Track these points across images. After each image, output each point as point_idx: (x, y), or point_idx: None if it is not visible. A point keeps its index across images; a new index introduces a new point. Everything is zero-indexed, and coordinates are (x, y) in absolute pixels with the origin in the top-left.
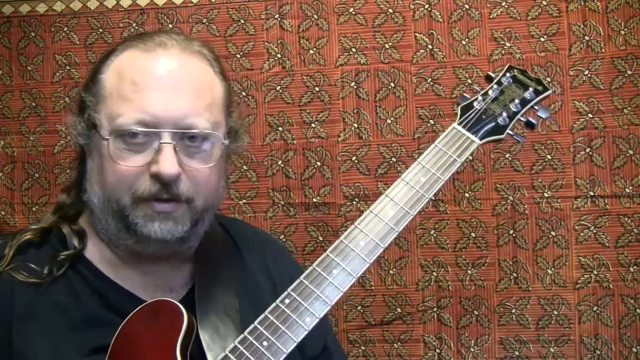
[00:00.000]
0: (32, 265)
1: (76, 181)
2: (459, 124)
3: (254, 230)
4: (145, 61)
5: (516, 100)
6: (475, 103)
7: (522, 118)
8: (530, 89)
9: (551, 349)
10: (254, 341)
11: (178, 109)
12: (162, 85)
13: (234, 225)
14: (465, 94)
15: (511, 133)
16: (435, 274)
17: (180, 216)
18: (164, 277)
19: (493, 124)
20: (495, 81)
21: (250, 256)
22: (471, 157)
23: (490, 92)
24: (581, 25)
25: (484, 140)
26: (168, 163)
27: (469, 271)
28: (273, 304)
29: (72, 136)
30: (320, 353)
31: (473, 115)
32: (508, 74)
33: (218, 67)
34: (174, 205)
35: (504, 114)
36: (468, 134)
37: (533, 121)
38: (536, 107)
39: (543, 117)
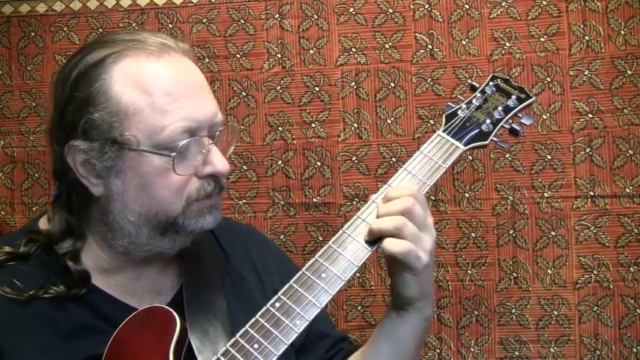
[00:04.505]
0: (18, 284)
1: (74, 206)
2: (444, 131)
3: (236, 224)
4: (163, 69)
5: (500, 108)
6: (459, 111)
7: (506, 125)
8: (513, 97)
9: (551, 349)
10: (245, 344)
11: (211, 109)
12: (192, 90)
13: None
14: (450, 103)
15: (495, 139)
16: (434, 274)
17: (219, 204)
18: (153, 280)
19: (477, 130)
20: (479, 90)
21: (235, 253)
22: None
23: (474, 101)
24: (581, 25)
25: (469, 146)
26: (223, 162)
27: (469, 271)
28: (264, 308)
29: (74, 161)
30: (307, 335)
31: (457, 122)
32: (491, 83)
33: (195, 60)
34: (220, 196)
35: (488, 121)
36: (453, 141)
37: (518, 128)
38: (519, 114)
39: (527, 124)
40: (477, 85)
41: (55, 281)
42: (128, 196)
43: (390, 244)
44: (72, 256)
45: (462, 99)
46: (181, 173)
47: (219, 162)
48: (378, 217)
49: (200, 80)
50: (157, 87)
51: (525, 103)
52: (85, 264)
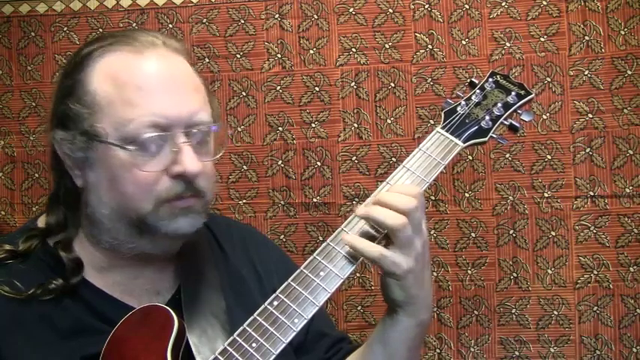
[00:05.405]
0: (17, 283)
1: (61, 197)
2: (443, 127)
3: (235, 224)
4: (141, 64)
5: (499, 104)
6: (458, 108)
7: (506, 122)
8: (513, 93)
9: (551, 349)
10: (243, 343)
11: (187, 107)
12: (166, 86)
13: (216, 221)
14: (449, 100)
15: (494, 136)
16: (435, 274)
17: (199, 209)
18: (151, 280)
19: (476, 127)
20: (478, 86)
21: (234, 252)
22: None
23: (473, 97)
24: (581, 25)
25: (467, 143)
26: (192, 162)
27: (469, 271)
28: (262, 307)
29: (61, 152)
30: (306, 335)
31: (456, 119)
32: (491, 79)
33: (190, 61)
34: (195, 200)
35: (487, 118)
36: (452, 137)
37: (517, 125)
38: (519, 111)
39: (527, 120)
40: (476, 82)
41: (52, 276)
42: (102, 189)
43: (364, 248)
44: (63, 245)
45: (462, 96)
46: (146, 170)
47: (188, 162)
48: (380, 203)
49: (183, 78)
50: (130, 80)
51: (525, 99)
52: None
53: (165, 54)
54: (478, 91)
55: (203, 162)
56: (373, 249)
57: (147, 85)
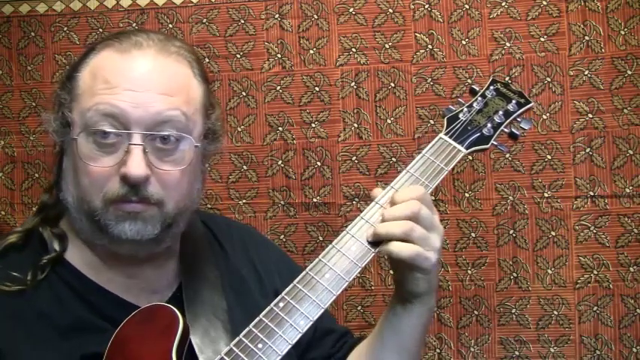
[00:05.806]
0: (14, 273)
1: (55, 180)
2: (446, 134)
3: (235, 224)
4: (119, 62)
5: (500, 112)
6: (460, 115)
7: (506, 130)
8: (513, 102)
9: (551, 349)
10: (249, 344)
11: (149, 109)
12: (133, 86)
13: (215, 221)
14: (450, 106)
15: (495, 143)
16: None
17: (149, 217)
18: (147, 278)
19: (478, 134)
20: (479, 94)
21: (234, 252)
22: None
23: (475, 104)
24: (581, 25)
25: (470, 150)
26: (135, 165)
27: (469, 271)
28: (268, 308)
29: (50, 133)
30: (314, 333)
31: (459, 125)
32: (492, 87)
33: (198, 69)
34: (143, 206)
35: (489, 125)
36: (455, 144)
37: (517, 132)
38: (518, 119)
39: (526, 128)
40: (477, 89)
41: (42, 254)
42: (69, 176)
43: (398, 249)
44: (49, 221)
45: (463, 102)
46: (96, 165)
47: (131, 165)
48: (384, 221)
49: (161, 80)
50: (101, 74)
51: (525, 108)
52: (74, 263)
53: (151, 54)
54: (480, 98)
55: (159, 169)
56: (409, 249)
57: (115, 80)
